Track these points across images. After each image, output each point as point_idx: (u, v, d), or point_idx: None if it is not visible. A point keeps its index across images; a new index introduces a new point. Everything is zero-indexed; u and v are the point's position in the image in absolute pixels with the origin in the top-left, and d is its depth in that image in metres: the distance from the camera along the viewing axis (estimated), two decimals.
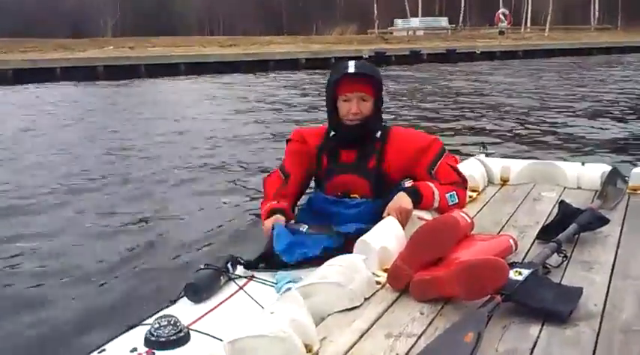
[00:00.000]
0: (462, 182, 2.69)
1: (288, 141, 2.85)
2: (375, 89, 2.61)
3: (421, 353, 1.65)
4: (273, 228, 2.47)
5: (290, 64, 27.13)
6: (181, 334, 1.82)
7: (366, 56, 28.99)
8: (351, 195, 2.65)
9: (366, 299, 2.01)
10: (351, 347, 1.73)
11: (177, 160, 8.49)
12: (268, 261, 2.43)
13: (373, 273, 2.14)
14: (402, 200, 2.48)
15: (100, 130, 11.40)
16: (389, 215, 2.44)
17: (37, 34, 38.38)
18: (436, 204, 2.57)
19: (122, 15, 62.01)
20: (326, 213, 2.65)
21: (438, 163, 2.63)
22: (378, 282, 2.12)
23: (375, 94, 2.61)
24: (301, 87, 19.55)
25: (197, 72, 24.51)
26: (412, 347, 1.72)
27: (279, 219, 2.54)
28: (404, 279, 2.05)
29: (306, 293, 1.92)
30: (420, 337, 1.77)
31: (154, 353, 1.78)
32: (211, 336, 1.86)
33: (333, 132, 2.70)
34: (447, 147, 2.76)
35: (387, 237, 2.31)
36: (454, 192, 2.61)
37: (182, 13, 66.58)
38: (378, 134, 2.65)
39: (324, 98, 2.70)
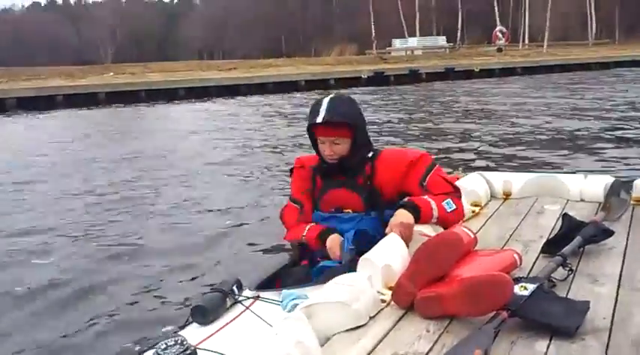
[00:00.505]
0: (454, 191, 2.68)
1: (291, 170, 2.92)
2: (350, 129, 2.62)
3: None
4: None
5: (289, 87, 27.26)
6: (188, 352, 1.82)
7: (365, 76, 29.16)
8: (344, 210, 2.68)
9: (371, 317, 1.99)
10: None
11: (180, 182, 8.59)
12: (273, 282, 2.51)
13: (378, 292, 2.12)
14: (402, 216, 2.48)
15: (102, 152, 11.54)
16: (391, 232, 2.42)
17: (37, 63, 38.67)
18: (435, 214, 2.56)
19: (122, 42, 62.51)
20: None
21: (429, 175, 2.63)
22: (383, 300, 2.10)
23: (350, 134, 2.62)
24: (300, 109, 19.61)
25: (197, 96, 24.69)
26: None
27: (339, 237, 2.60)
28: (409, 297, 2.03)
29: (310, 313, 1.90)
30: None
31: None
32: (219, 354, 1.85)
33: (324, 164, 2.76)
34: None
35: (391, 254, 2.29)
36: (450, 200, 2.61)
37: (181, 39, 67.10)
38: (370, 154, 2.69)
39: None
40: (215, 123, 16.35)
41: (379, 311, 2.04)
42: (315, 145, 2.71)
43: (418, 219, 2.51)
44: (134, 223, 6.58)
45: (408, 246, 2.37)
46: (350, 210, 2.66)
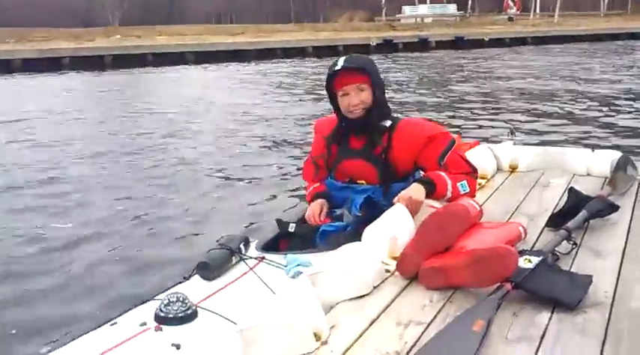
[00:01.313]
0: (472, 172, 2.68)
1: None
2: (370, 79, 2.61)
3: (431, 341, 1.65)
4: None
5: (297, 52, 27.06)
6: (189, 311, 1.87)
7: (374, 44, 28.90)
8: (358, 181, 2.67)
9: (375, 287, 2.01)
10: (361, 335, 1.73)
11: (191, 146, 8.67)
12: (280, 243, 2.57)
13: (382, 262, 2.14)
14: (414, 190, 2.48)
15: (110, 118, 11.57)
16: (398, 202, 2.44)
17: (46, 24, 38.41)
18: (449, 194, 2.56)
19: (129, 5, 61.93)
20: (336, 198, 2.71)
21: (449, 153, 2.61)
22: (387, 270, 2.12)
23: (370, 84, 2.61)
24: (308, 75, 19.52)
25: (204, 61, 24.53)
26: (422, 334, 1.72)
27: (320, 203, 2.71)
28: (413, 267, 2.05)
29: (315, 281, 1.92)
30: (429, 325, 1.77)
31: (161, 328, 1.83)
32: (219, 315, 1.89)
33: (343, 123, 2.73)
34: (461, 134, 2.76)
35: (396, 225, 2.31)
36: (465, 181, 2.60)
37: (189, 3, 66.45)
38: (388, 123, 2.65)
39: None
40: (222, 87, 16.30)
41: (383, 281, 2.06)
42: (334, 104, 2.68)
43: (431, 195, 2.52)
44: (144, 181, 6.75)
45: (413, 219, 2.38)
46: (364, 182, 2.65)
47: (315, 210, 2.68)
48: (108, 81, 19.46)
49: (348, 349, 1.66)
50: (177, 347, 1.73)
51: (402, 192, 2.48)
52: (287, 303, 1.74)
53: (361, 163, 2.65)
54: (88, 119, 11.51)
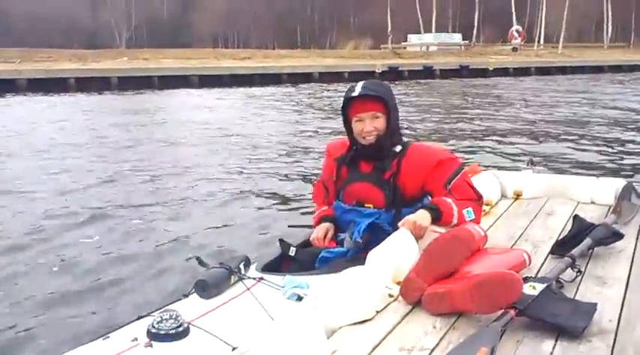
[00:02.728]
0: (477, 199, 2.66)
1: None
2: (385, 107, 2.63)
3: None
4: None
5: (303, 78, 27.23)
6: (180, 328, 1.88)
7: (379, 71, 29.08)
8: (365, 205, 2.67)
9: (378, 312, 2.00)
10: None
11: (195, 166, 8.71)
12: (282, 264, 2.56)
13: (386, 286, 2.13)
14: (419, 216, 2.47)
15: (113, 137, 11.61)
16: (403, 226, 2.43)
17: (53, 45, 38.79)
18: (454, 221, 2.53)
19: (137, 27, 62.54)
20: (342, 220, 2.71)
21: (455, 179, 2.61)
22: (390, 295, 2.10)
23: (385, 112, 2.64)
24: (314, 100, 19.61)
25: (210, 84, 24.66)
26: None
27: (327, 227, 2.72)
28: (417, 292, 2.04)
29: (317, 305, 1.91)
30: (432, 351, 1.76)
31: (152, 344, 1.83)
32: (210, 334, 1.89)
33: (354, 147, 2.76)
34: (479, 163, 2.77)
35: (400, 249, 2.30)
36: (470, 208, 2.58)
37: (197, 26, 67.04)
38: (398, 148, 2.67)
39: (337, 111, 2.76)
40: (228, 111, 16.37)
41: (386, 306, 2.05)
42: (348, 128, 2.70)
43: (437, 221, 2.50)
44: (146, 199, 6.80)
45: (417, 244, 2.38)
46: (371, 205, 2.65)
47: (320, 233, 2.69)
48: (112, 102, 19.57)
49: None
50: None
51: (408, 216, 2.48)
52: (288, 327, 1.72)
53: (369, 187, 2.65)
54: (92, 139, 11.57)
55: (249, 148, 10.35)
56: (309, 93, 22.19)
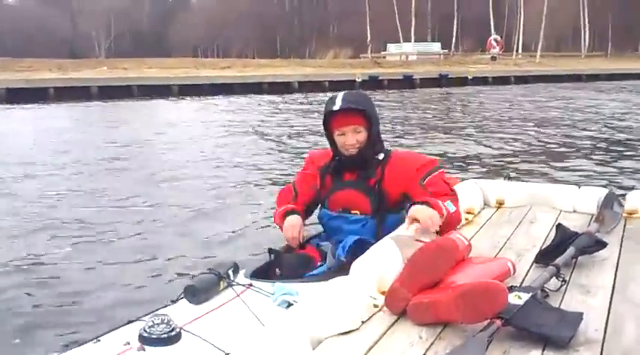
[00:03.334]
0: (452, 194, 2.68)
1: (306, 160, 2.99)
2: (366, 118, 2.65)
3: None
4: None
5: (283, 87, 27.24)
6: (172, 333, 1.88)
7: (359, 80, 29.18)
8: (352, 211, 2.68)
9: (363, 322, 1.98)
10: None
11: (175, 176, 8.71)
12: (270, 271, 2.56)
13: (370, 296, 2.11)
14: (423, 210, 2.43)
15: (95, 147, 11.56)
16: (413, 221, 2.39)
17: (32, 55, 38.46)
18: (445, 213, 2.52)
19: (117, 36, 62.24)
20: (329, 227, 2.73)
21: (431, 176, 2.66)
22: (375, 305, 2.08)
23: (367, 124, 2.65)
24: (294, 110, 19.61)
25: (190, 94, 24.61)
26: None
27: (297, 219, 2.69)
28: (402, 302, 2.02)
29: (303, 316, 1.89)
30: None
31: (144, 348, 1.81)
32: (202, 339, 1.87)
33: (337, 157, 2.78)
34: (445, 170, 2.80)
35: (384, 259, 2.28)
36: (449, 201, 2.60)
37: (176, 35, 66.87)
38: (381, 156, 2.71)
39: (316, 121, 2.77)
40: (208, 121, 16.30)
41: (372, 316, 2.03)
42: (330, 140, 2.72)
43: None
44: (133, 207, 6.86)
45: (430, 234, 2.39)
46: (357, 212, 2.67)
47: (293, 233, 2.65)
48: (93, 112, 19.42)
49: None
50: None
51: (413, 211, 2.43)
52: (274, 338, 1.70)
53: (355, 193, 2.68)
54: (73, 147, 11.46)
55: (232, 156, 10.37)
56: (289, 103, 22.17)
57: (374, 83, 29.31)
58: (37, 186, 8.03)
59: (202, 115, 17.89)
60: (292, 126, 14.73)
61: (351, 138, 2.63)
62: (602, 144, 11.44)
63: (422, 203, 2.49)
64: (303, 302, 2.00)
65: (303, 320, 1.86)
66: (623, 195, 3.36)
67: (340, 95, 2.65)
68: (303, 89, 27.05)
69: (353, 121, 2.63)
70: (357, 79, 29.24)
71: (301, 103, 22.04)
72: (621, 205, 3.21)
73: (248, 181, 8.25)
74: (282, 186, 3.06)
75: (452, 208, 2.58)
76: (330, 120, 2.66)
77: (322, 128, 2.76)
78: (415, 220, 2.41)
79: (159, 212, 6.60)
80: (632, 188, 5.64)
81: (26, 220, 6.30)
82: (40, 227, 6.05)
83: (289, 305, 2.11)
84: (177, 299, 2.26)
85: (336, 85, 27.34)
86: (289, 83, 28.06)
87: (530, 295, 1.94)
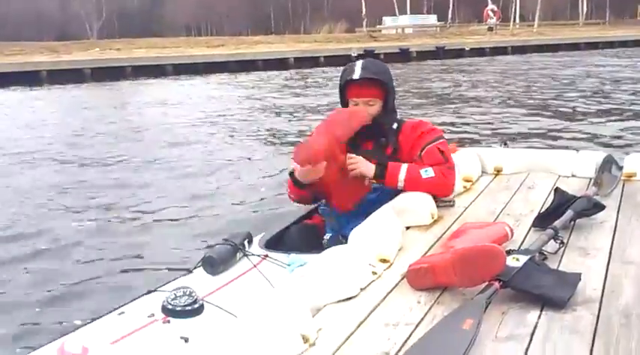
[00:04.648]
0: (445, 162, 2.69)
1: None
2: (383, 89, 2.64)
3: (420, 341, 1.62)
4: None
5: (279, 64, 27.07)
6: (196, 305, 1.89)
7: (355, 54, 28.94)
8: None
9: (362, 289, 1.98)
10: (348, 337, 1.70)
11: (191, 150, 8.89)
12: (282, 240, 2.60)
13: (369, 264, 2.11)
14: (366, 164, 2.59)
15: (96, 125, 11.59)
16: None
17: (23, 38, 38.15)
18: (402, 177, 2.61)
19: (108, 17, 61.68)
20: None
21: (428, 147, 2.67)
22: (374, 273, 2.09)
23: (382, 95, 2.64)
24: (290, 86, 19.51)
25: (184, 72, 24.46)
26: (410, 335, 1.69)
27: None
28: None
29: (302, 284, 1.89)
30: (417, 325, 1.75)
31: (169, 320, 1.82)
32: (224, 310, 1.87)
33: None
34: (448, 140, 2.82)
35: (383, 227, 2.29)
36: (429, 168, 2.63)
37: (168, 15, 66.31)
38: (395, 126, 2.72)
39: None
40: (204, 99, 16.23)
41: (370, 283, 2.03)
42: (344, 104, 2.72)
43: (380, 179, 2.60)
44: (144, 183, 6.97)
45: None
46: (374, 180, 2.67)
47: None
48: (87, 94, 19.33)
49: (336, 351, 1.63)
50: (186, 340, 1.73)
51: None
52: (274, 307, 1.71)
53: (373, 163, 2.66)
54: (70, 131, 11.43)
55: (236, 131, 10.45)
56: (284, 80, 22.08)
57: (370, 57, 28.98)
58: (53, 161, 8.22)
59: (199, 93, 17.80)
60: (287, 104, 14.71)
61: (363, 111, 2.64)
62: (601, 108, 11.45)
63: (382, 164, 2.61)
64: (301, 271, 2.00)
65: (302, 288, 1.86)
66: (622, 159, 3.35)
67: (360, 63, 2.63)
68: (299, 65, 26.87)
69: (369, 93, 2.62)
70: (352, 54, 29.02)
71: (297, 80, 21.93)
72: (619, 168, 3.21)
73: (252, 156, 8.34)
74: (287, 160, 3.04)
75: (428, 174, 2.62)
76: (347, 88, 2.65)
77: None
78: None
79: (169, 185, 6.76)
80: (630, 151, 5.63)
81: (36, 197, 6.44)
82: (53, 204, 6.18)
83: None
84: (193, 269, 2.27)
85: (331, 60, 27.20)
86: (285, 59, 27.87)
87: (528, 257, 1.94)
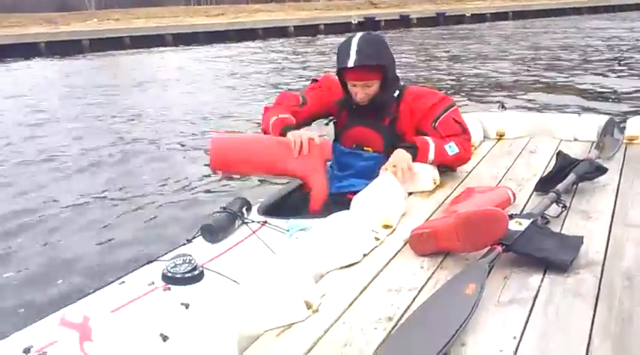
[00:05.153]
0: (462, 132, 2.66)
1: (314, 80, 2.89)
2: (380, 69, 2.57)
3: (422, 306, 1.62)
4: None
5: (279, 32, 26.84)
6: (196, 272, 1.89)
7: (356, 22, 28.73)
8: (365, 148, 2.69)
9: (365, 255, 1.99)
10: (352, 303, 1.70)
11: (187, 124, 8.82)
12: (281, 207, 2.58)
13: (372, 230, 2.11)
14: (398, 155, 2.48)
15: (99, 101, 11.50)
16: (386, 171, 2.43)
17: (22, 10, 37.74)
18: (431, 157, 2.56)
19: None
20: (341, 163, 2.72)
21: (442, 117, 2.62)
22: (377, 238, 2.09)
23: (380, 75, 2.57)
24: (291, 55, 19.37)
25: (184, 42, 24.29)
26: (413, 300, 1.70)
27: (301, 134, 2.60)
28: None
29: (305, 251, 1.89)
30: (420, 290, 1.75)
31: (169, 288, 1.83)
32: (224, 276, 1.88)
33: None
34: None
35: (385, 193, 2.28)
36: (453, 143, 2.60)
37: None
38: (396, 93, 2.66)
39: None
40: (205, 69, 16.14)
41: (373, 249, 2.03)
42: (343, 85, 2.66)
43: (414, 159, 2.52)
44: (140, 155, 6.97)
45: (406, 183, 2.38)
46: (370, 149, 2.67)
47: (297, 135, 2.59)
48: (86, 65, 19.21)
49: (340, 317, 1.63)
50: (187, 306, 1.73)
51: (390, 159, 2.46)
52: (277, 274, 1.71)
53: (368, 131, 2.66)
54: (71, 103, 11.40)
55: (237, 105, 10.36)
56: (285, 48, 21.90)
57: (370, 24, 28.85)
58: (52, 136, 8.22)
59: (201, 64, 17.68)
60: (290, 74, 14.61)
61: (361, 93, 2.58)
62: (602, 72, 11.37)
63: (409, 146, 2.52)
64: (304, 238, 2.00)
65: (305, 254, 1.86)
66: (624, 121, 3.33)
67: (354, 47, 2.49)
68: (299, 33, 26.64)
69: (365, 77, 2.55)
70: (352, 21, 28.78)
71: (297, 48, 21.75)
72: (622, 131, 3.19)
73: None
74: None
75: (453, 150, 2.58)
76: (344, 71, 2.57)
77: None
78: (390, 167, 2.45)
79: (168, 159, 6.75)
80: (633, 114, 5.60)
81: (33, 172, 6.45)
82: (50, 176, 6.22)
83: None
84: (192, 238, 2.27)
85: (332, 28, 26.99)
86: (285, 27, 27.62)
87: (530, 221, 1.93)
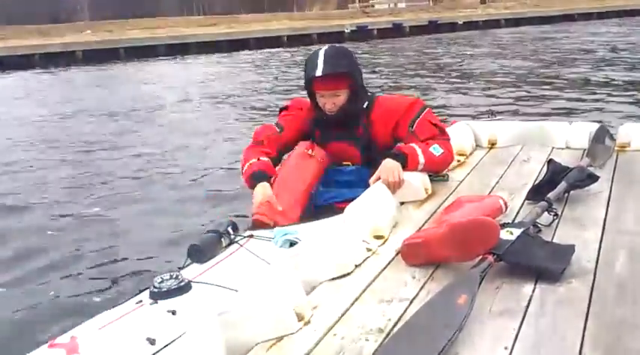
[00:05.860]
0: (440, 134, 2.69)
1: (284, 108, 2.90)
2: (348, 78, 2.61)
3: (414, 317, 1.61)
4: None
5: (272, 42, 26.89)
6: (182, 284, 1.86)
7: (348, 30, 28.81)
8: (344, 163, 2.71)
9: (356, 266, 1.98)
10: (343, 314, 1.70)
11: (170, 139, 8.58)
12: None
13: (363, 241, 2.11)
14: (388, 165, 2.49)
15: (87, 113, 11.39)
16: (377, 179, 2.44)
17: (15, 22, 37.74)
18: (422, 161, 2.58)
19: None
20: (323, 181, 2.70)
21: (418, 120, 2.65)
22: (368, 249, 2.08)
23: (347, 84, 2.61)
24: (284, 64, 19.40)
25: (178, 53, 24.28)
26: (405, 311, 1.69)
27: (269, 195, 2.46)
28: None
29: (296, 262, 1.88)
30: (412, 301, 1.75)
31: (157, 302, 1.81)
32: (213, 284, 1.87)
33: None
34: (437, 114, 2.79)
35: (377, 203, 2.28)
36: (436, 145, 2.63)
37: None
38: (365, 104, 2.69)
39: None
40: (197, 80, 16.12)
41: (365, 260, 2.03)
42: (312, 98, 2.69)
43: (405, 167, 2.53)
44: (127, 175, 6.70)
45: (395, 193, 2.38)
46: (349, 163, 2.69)
47: (260, 193, 2.46)
48: (79, 77, 19.18)
49: (332, 328, 1.63)
50: (173, 312, 1.71)
51: (378, 169, 2.48)
52: (268, 286, 1.70)
53: (344, 145, 2.69)
54: (73, 113, 11.36)
55: (228, 118, 10.25)
56: (278, 58, 21.93)
57: (363, 33, 28.95)
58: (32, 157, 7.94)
59: (193, 75, 17.68)
60: (281, 82, 14.62)
61: (329, 103, 2.62)
62: (594, 79, 11.42)
63: (396, 155, 2.53)
64: (295, 249, 1.99)
65: (296, 266, 1.85)
66: (615, 129, 3.34)
67: (321, 57, 2.56)
68: (292, 43, 26.69)
69: (333, 86, 2.59)
70: (345, 30, 28.87)
71: (290, 57, 21.79)
72: (613, 139, 3.20)
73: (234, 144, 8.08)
74: None
75: (438, 151, 2.61)
76: (312, 82, 2.62)
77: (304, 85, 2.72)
78: (379, 178, 2.46)
79: (157, 180, 6.48)
80: (623, 122, 5.62)
81: (21, 190, 6.23)
82: (36, 198, 5.96)
83: (291, 244, 2.10)
84: (183, 266, 2.24)
85: (325, 37, 27.02)
86: (278, 37, 27.68)
87: (522, 230, 1.93)
